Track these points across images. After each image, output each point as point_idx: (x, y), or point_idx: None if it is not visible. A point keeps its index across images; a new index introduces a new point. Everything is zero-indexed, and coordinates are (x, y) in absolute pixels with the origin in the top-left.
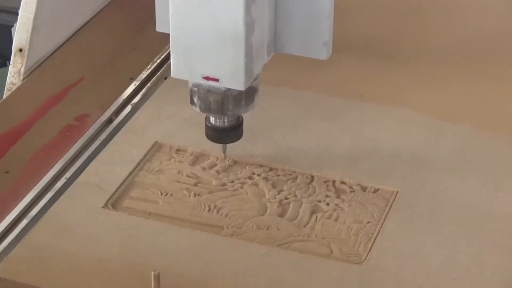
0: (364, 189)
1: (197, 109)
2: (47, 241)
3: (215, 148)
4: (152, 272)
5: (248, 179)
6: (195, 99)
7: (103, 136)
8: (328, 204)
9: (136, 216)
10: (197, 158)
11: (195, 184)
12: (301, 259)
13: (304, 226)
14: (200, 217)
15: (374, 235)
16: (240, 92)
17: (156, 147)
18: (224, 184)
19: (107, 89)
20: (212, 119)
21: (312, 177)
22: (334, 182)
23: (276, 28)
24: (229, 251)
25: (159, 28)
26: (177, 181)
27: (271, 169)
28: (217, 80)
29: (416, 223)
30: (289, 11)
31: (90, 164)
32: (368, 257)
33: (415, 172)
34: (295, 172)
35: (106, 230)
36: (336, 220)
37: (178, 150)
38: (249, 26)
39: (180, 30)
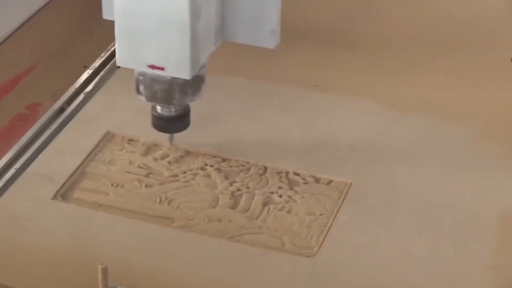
0: (317, 180)
1: (143, 98)
2: None
3: (167, 139)
4: (99, 266)
5: (200, 170)
6: (141, 88)
7: (54, 125)
8: (280, 196)
9: (86, 207)
10: (149, 149)
11: (147, 175)
12: (252, 252)
13: (256, 218)
14: (151, 209)
15: (327, 228)
16: (186, 81)
17: (108, 137)
18: (176, 175)
19: (60, 77)
20: (158, 108)
21: (266, 168)
22: (287, 173)
23: (224, 15)
24: (180, 244)
25: (106, 15)
26: (128, 172)
27: (224, 160)
28: (162, 69)
29: (370, 215)
30: None
31: (40, 154)
32: (320, 250)
33: (370, 163)
34: (248, 163)
35: (55, 222)
36: (288, 212)
37: (130, 140)
38: (195, 13)
39: (123, 16)
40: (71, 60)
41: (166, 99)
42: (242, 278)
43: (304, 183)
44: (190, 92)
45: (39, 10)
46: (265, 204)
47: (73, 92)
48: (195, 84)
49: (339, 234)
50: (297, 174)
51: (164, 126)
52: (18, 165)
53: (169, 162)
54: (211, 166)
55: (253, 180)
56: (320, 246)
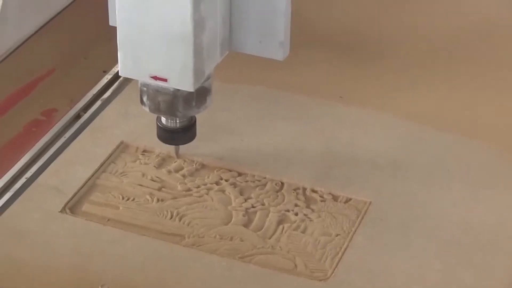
0: (335, 198)
1: (147, 109)
2: None
3: (183, 151)
4: (100, 287)
5: (215, 184)
6: (145, 99)
7: (68, 133)
8: (296, 214)
9: (94, 221)
10: (163, 161)
11: (159, 189)
12: (262, 274)
13: (269, 238)
14: (161, 225)
15: (342, 250)
16: (191, 93)
17: (122, 147)
18: (189, 189)
19: (78, 82)
20: (163, 120)
21: (282, 184)
22: (304, 190)
23: (231, 25)
24: (188, 263)
25: (112, 22)
26: (141, 185)
27: (239, 174)
28: (165, 80)
29: (387, 237)
30: (244, 8)
31: (51, 164)
32: (333, 274)
33: (391, 181)
34: (264, 178)
35: (61, 237)
36: (303, 231)
37: (144, 151)
38: (198, 24)
39: (126, 25)
40: (90, 65)
41: (170, 111)
42: None
43: (322, 201)
44: (194, 104)
45: (59, 13)
46: (279, 222)
47: (90, 98)
48: (200, 96)
49: (354, 257)
50: (314, 191)
51: (169, 137)
52: (29, 174)
53: (183, 176)
54: (226, 180)
55: (268, 196)
56: (333, 270)
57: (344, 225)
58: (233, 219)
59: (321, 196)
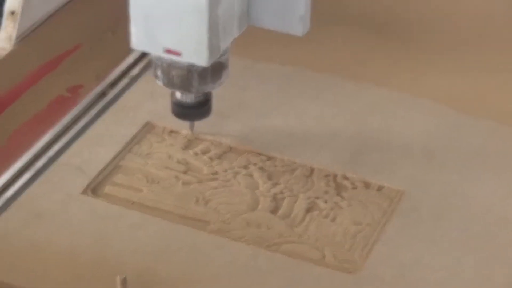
0: (367, 186)
1: (160, 83)
2: (16, 228)
3: (211, 132)
4: (118, 277)
5: (242, 168)
6: (158, 73)
7: (93, 111)
8: (326, 202)
9: (116, 204)
10: (190, 142)
11: (185, 172)
12: (289, 264)
13: (297, 226)
14: (186, 209)
15: (372, 240)
16: (206, 67)
17: (148, 128)
18: (216, 173)
19: (105, 58)
20: (178, 94)
21: (312, 169)
22: (335, 176)
23: None
24: (212, 251)
25: None
26: (166, 167)
27: (269, 158)
28: (179, 54)
29: (420, 228)
30: None
31: (75, 143)
32: (363, 265)
33: (425, 169)
34: (294, 163)
35: (81, 220)
36: (333, 220)
37: (171, 131)
38: None
39: None
40: (118, 40)
41: (184, 86)
42: None
43: (353, 188)
44: (209, 79)
45: None
46: (308, 210)
47: (117, 75)
48: (215, 71)
49: (385, 248)
50: (346, 178)
51: (183, 113)
52: (51, 153)
53: (210, 158)
54: (255, 164)
55: (297, 182)
56: (363, 261)
57: (375, 215)
58: (260, 205)
59: (352, 183)
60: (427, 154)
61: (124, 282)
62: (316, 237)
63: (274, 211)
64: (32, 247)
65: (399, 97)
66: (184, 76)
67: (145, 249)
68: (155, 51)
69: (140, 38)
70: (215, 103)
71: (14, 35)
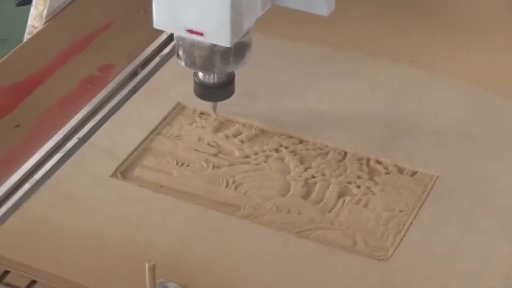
0: (401, 171)
1: (183, 63)
2: (44, 212)
3: (243, 114)
4: (147, 264)
5: (274, 151)
6: (180, 53)
7: (124, 91)
8: (358, 187)
9: (146, 188)
10: (221, 124)
11: (215, 155)
12: (320, 251)
13: (329, 212)
14: (216, 194)
15: (406, 227)
16: (228, 48)
17: (178, 109)
18: (247, 156)
19: (136, 37)
20: (200, 75)
21: (345, 153)
22: (368, 160)
23: None
24: (242, 236)
25: None
26: (196, 150)
27: (301, 142)
28: (201, 34)
29: (454, 215)
30: None
31: (104, 124)
32: (395, 253)
33: (461, 154)
34: (327, 146)
35: (111, 203)
36: (365, 206)
37: (202, 113)
38: None
39: None
40: (150, 18)
41: (206, 67)
42: (306, 280)
43: (386, 173)
44: (232, 59)
45: None
46: (340, 195)
47: (148, 54)
48: (238, 51)
49: (417, 235)
50: (379, 162)
51: (206, 93)
52: (81, 134)
53: (241, 141)
54: (286, 147)
55: (330, 166)
56: (395, 249)
57: (409, 201)
58: (291, 190)
59: (385, 168)
60: (463, 138)
61: (153, 269)
62: (348, 223)
63: (305, 196)
64: (61, 231)
65: (435, 78)
66: (207, 57)
67: (174, 234)
68: (177, 31)
69: (162, 17)
70: (245, 84)
71: (45, 12)
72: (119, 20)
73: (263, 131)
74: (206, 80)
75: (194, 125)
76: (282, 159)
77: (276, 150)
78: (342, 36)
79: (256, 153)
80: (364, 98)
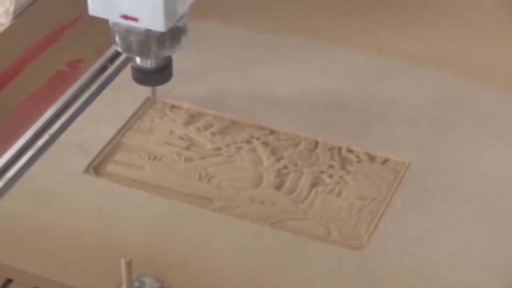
0: (372, 159)
1: (119, 49)
2: (18, 209)
3: (214, 106)
4: (123, 260)
5: (245, 143)
6: (117, 39)
7: (94, 86)
8: (331, 176)
9: (119, 184)
10: (192, 117)
11: (187, 148)
12: (294, 241)
13: (302, 202)
14: (189, 187)
15: (379, 215)
16: (164, 32)
17: (149, 103)
18: (219, 148)
19: (104, 32)
20: (138, 60)
21: (317, 143)
22: (340, 149)
23: None
24: (216, 228)
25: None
26: (168, 143)
27: (272, 132)
28: (135, 19)
29: (427, 202)
30: None
31: (76, 120)
32: (368, 241)
33: (432, 140)
34: (298, 136)
35: (85, 199)
36: (338, 195)
37: (172, 106)
38: None
39: None
40: None
41: (142, 52)
42: (281, 271)
43: (358, 162)
44: (168, 44)
45: None
46: (313, 185)
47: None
48: (173, 36)
49: (391, 223)
50: (350, 151)
51: (144, 78)
52: (52, 130)
53: (213, 133)
54: (258, 139)
55: (302, 156)
56: (369, 237)
57: (381, 189)
58: (264, 181)
59: (357, 157)
60: (434, 125)
61: (129, 264)
62: (321, 213)
63: (278, 187)
64: (34, 227)
65: (404, 65)
66: (142, 42)
67: (149, 228)
68: (112, 17)
69: (96, 3)
70: (215, 76)
71: (12, 9)
72: (87, 15)
73: (234, 123)
74: (144, 65)
75: (165, 118)
76: (254, 150)
77: (248, 142)
78: (311, 25)
79: (228, 145)
80: (334, 87)
